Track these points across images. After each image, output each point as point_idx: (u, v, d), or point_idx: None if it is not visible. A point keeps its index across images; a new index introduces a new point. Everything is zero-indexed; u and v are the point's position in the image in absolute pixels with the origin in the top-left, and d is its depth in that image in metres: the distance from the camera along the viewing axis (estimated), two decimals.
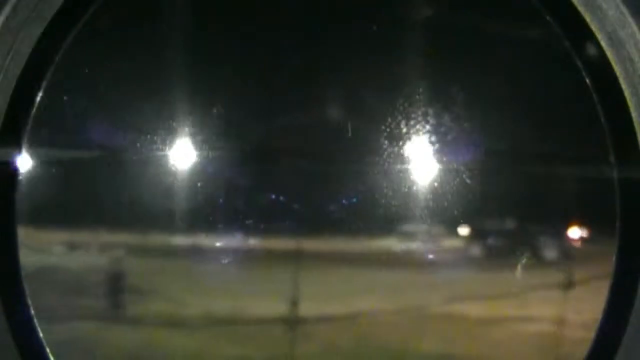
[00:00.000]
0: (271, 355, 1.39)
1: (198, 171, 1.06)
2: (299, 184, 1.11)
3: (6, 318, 0.88)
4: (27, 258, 1.18)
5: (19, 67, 0.89)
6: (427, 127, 1.01)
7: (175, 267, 1.28)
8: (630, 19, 0.84)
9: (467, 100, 1.01)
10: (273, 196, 1.11)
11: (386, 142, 1.03)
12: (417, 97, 1.02)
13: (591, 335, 0.95)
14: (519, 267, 1.11)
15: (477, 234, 1.10)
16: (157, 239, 1.17)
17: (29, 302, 0.93)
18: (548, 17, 0.92)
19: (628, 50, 0.84)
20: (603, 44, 0.85)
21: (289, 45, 1.06)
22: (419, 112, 1.02)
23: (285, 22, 1.05)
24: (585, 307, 1.10)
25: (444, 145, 1.02)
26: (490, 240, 1.11)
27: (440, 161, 1.03)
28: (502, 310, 1.22)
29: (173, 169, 1.06)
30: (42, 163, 1.03)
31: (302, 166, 1.10)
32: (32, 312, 0.93)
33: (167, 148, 1.04)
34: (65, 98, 1.01)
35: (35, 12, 0.88)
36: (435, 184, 1.03)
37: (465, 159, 1.03)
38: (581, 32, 0.88)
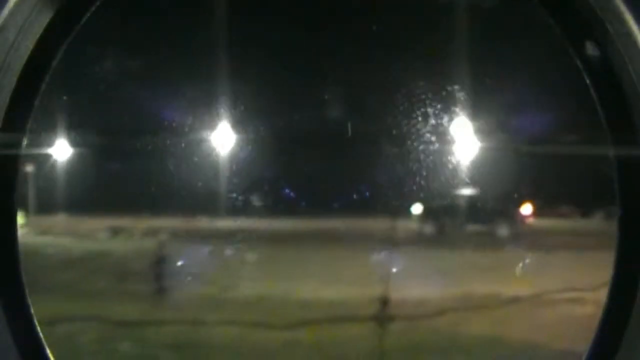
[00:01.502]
0: (319, 340, 1.39)
1: (234, 156, 1.08)
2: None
3: (6, 318, 0.87)
4: (71, 245, 1.21)
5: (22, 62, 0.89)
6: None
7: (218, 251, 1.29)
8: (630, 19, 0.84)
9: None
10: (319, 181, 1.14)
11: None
12: (419, 94, 1.03)
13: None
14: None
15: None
16: (199, 223, 1.19)
17: (29, 302, 0.92)
18: (549, 17, 0.92)
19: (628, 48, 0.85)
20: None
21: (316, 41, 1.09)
22: (420, 113, 1.03)
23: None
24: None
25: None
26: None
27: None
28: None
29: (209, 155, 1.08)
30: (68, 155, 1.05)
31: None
32: (32, 311, 0.93)
33: (210, 134, 1.06)
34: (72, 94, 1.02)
35: (37, 8, 0.88)
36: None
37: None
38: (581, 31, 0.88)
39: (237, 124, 1.11)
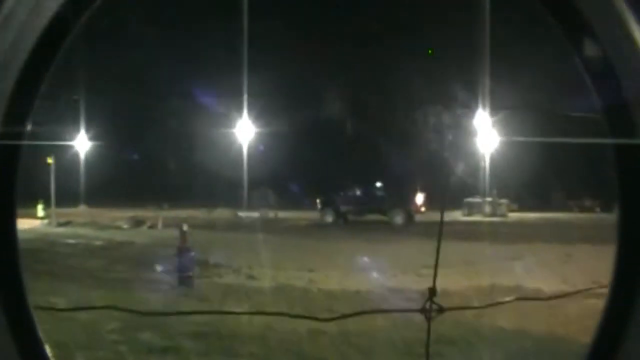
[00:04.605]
0: (342, 329, 1.41)
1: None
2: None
3: (6, 318, 0.88)
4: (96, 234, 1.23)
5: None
6: None
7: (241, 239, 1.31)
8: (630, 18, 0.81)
9: None
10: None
11: None
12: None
13: None
14: None
15: None
16: (220, 214, 1.21)
17: (29, 302, 0.93)
18: (549, 16, 0.88)
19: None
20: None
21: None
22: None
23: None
24: None
25: None
26: None
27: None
28: None
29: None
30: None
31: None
32: (32, 311, 0.93)
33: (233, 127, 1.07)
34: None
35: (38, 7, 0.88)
36: None
37: None
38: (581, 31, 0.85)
39: (257, 120, 1.11)
